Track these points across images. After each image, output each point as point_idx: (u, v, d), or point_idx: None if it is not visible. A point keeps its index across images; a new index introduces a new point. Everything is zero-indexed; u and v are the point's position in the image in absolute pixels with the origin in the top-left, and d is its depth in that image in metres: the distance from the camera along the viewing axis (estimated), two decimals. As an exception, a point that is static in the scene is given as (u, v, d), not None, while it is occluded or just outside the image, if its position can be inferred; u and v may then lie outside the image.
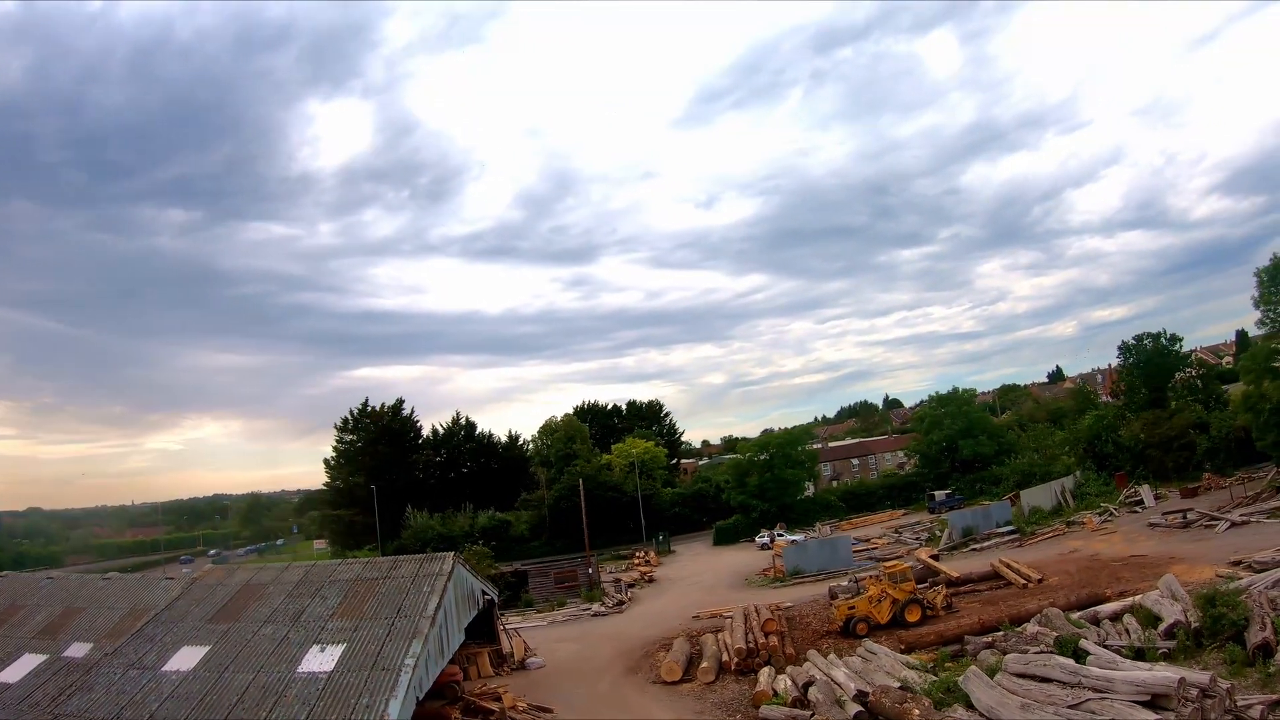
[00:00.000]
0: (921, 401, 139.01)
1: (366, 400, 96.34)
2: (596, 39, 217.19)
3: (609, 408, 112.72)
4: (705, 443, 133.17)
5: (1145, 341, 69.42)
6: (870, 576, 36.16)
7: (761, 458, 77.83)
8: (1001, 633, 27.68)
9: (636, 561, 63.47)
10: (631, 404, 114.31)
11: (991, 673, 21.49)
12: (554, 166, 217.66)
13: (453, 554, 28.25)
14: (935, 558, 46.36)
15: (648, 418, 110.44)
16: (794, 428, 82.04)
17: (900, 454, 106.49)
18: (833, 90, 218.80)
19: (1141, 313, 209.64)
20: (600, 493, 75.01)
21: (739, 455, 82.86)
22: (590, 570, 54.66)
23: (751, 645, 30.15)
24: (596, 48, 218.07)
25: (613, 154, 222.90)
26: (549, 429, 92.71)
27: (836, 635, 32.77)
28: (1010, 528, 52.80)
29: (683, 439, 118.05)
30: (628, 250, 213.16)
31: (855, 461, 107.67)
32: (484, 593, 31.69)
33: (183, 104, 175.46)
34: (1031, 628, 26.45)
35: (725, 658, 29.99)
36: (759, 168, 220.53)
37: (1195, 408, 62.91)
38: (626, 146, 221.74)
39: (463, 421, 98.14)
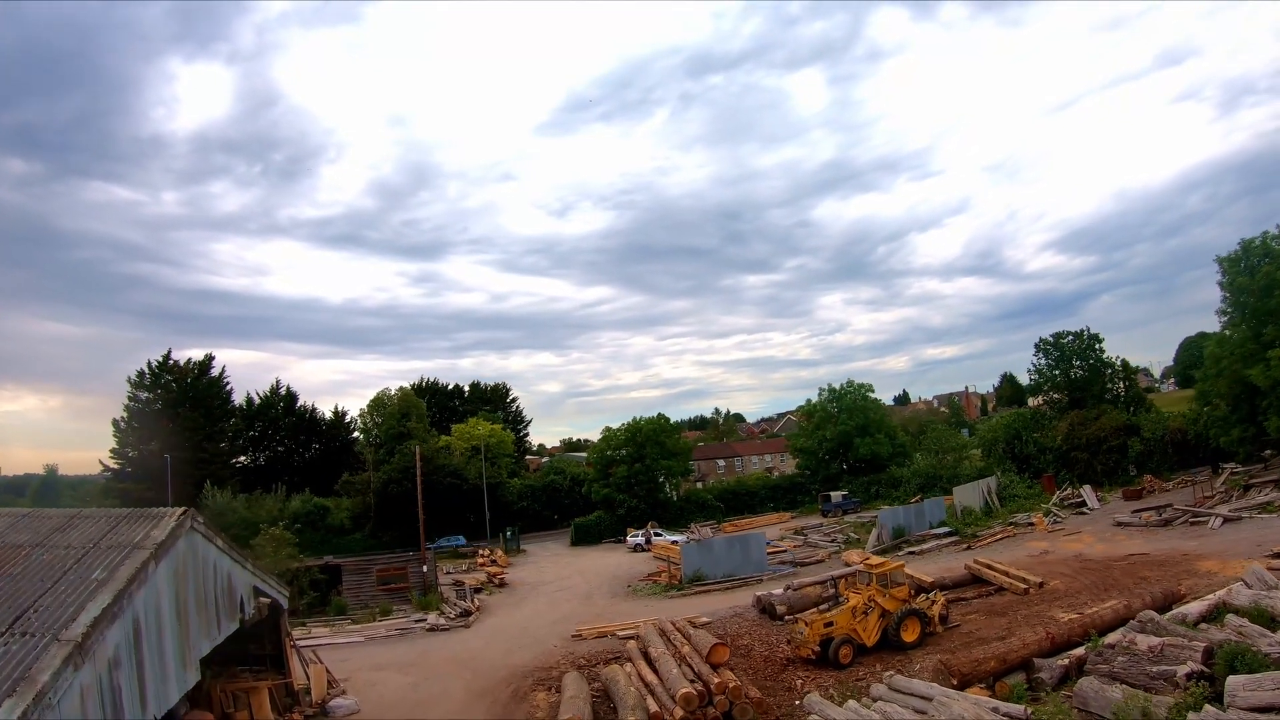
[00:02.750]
0: (794, 409, 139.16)
1: (169, 352, 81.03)
2: (473, 34, 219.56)
3: (450, 387, 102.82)
4: (542, 446, 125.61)
5: (1066, 339, 68.16)
6: (845, 579, 27.25)
7: (630, 448, 70.51)
8: (1083, 649, 20.84)
9: (481, 561, 56.72)
10: (475, 386, 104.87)
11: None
12: (413, 158, 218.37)
13: (181, 512, 15.78)
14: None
15: (493, 401, 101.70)
16: (661, 416, 73.09)
17: (768, 458, 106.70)
18: (699, 114, 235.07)
19: (971, 354, 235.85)
20: (438, 478, 67.59)
21: (604, 442, 73.76)
22: (425, 569, 43.81)
23: (701, 688, 19.33)
24: (472, 43, 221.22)
25: (474, 152, 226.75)
26: (380, 403, 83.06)
27: (807, 665, 24.66)
28: (947, 529, 48.21)
29: (527, 435, 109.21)
30: (478, 251, 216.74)
31: (721, 463, 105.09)
32: (259, 592, 20.03)
33: (40, 46, 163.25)
34: (1142, 640, 17.94)
35: (655, 708, 19.02)
36: (618, 181, 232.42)
37: (1119, 411, 62.48)
38: (488, 146, 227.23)
39: (283, 392, 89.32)
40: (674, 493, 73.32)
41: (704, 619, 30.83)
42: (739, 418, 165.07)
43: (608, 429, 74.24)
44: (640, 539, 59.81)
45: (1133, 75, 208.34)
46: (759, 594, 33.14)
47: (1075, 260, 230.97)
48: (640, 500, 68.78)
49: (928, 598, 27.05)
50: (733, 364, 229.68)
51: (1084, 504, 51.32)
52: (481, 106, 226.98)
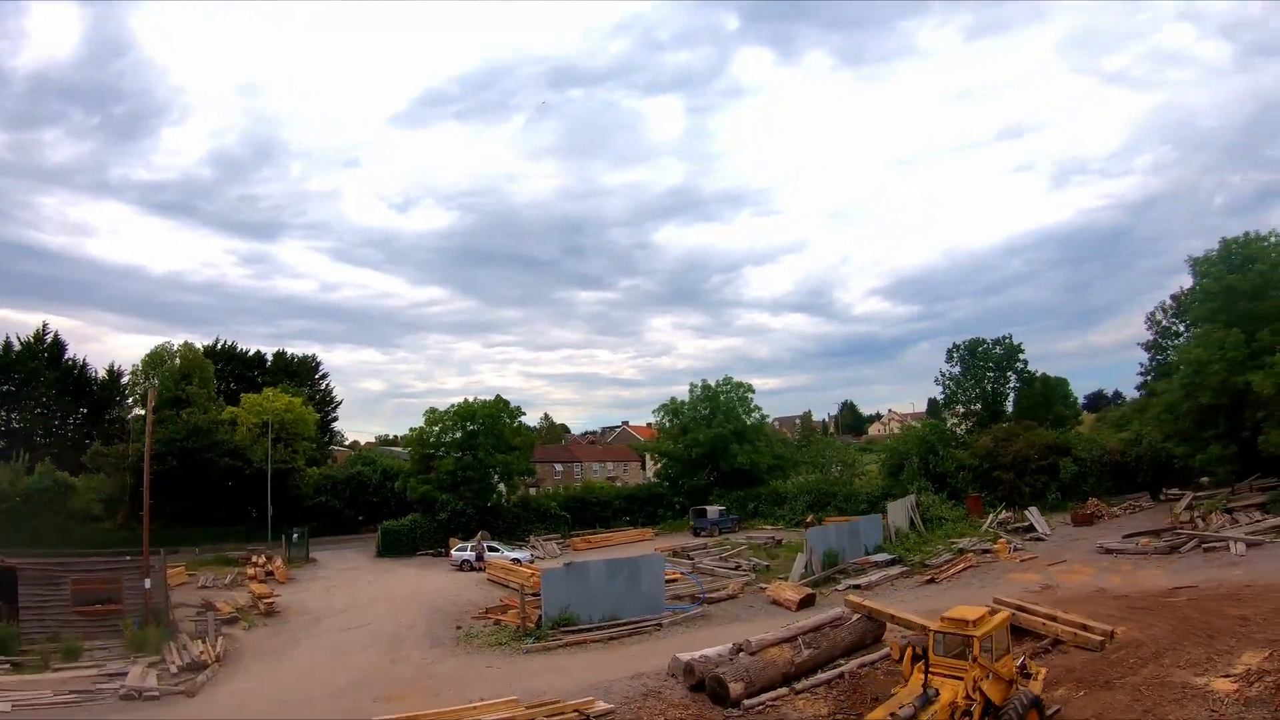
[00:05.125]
0: (619, 425, 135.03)
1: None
2: (340, 11, 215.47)
3: (250, 354, 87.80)
4: (356, 443, 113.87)
5: (987, 347, 64.40)
6: (910, 647, 17.15)
7: (458, 434, 59.56)
8: None
9: (252, 572, 45.53)
10: (280, 355, 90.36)
11: None
12: (260, 131, 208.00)
13: None
14: (810, 599, 32.22)
15: (299, 374, 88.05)
16: (500, 398, 61.08)
17: (610, 466, 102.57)
18: (555, 125, 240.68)
19: (793, 387, 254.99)
20: (213, 456, 58.49)
21: (427, 424, 62.03)
22: (147, 584, 30.35)
23: None
24: (338, 20, 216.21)
25: (322, 133, 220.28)
26: (158, 359, 67.67)
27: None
28: (887, 556, 40.76)
29: (336, 419, 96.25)
30: (313, 236, 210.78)
31: (559, 467, 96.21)
32: None
33: None
34: None
35: None
36: (464, 182, 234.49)
37: (1045, 429, 58.76)
38: (338, 129, 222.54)
39: (48, 340, 75.40)
40: (509, 497, 63.11)
41: (600, 706, 20.06)
42: (564, 428, 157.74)
43: (432, 409, 61.73)
44: (469, 554, 48.84)
45: (975, 144, 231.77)
46: (684, 658, 22.18)
47: (900, 307, 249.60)
48: (468, 503, 58.21)
49: (1021, 670, 17.41)
50: (557, 378, 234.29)
51: (1031, 529, 46.01)
52: (338, 87, 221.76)
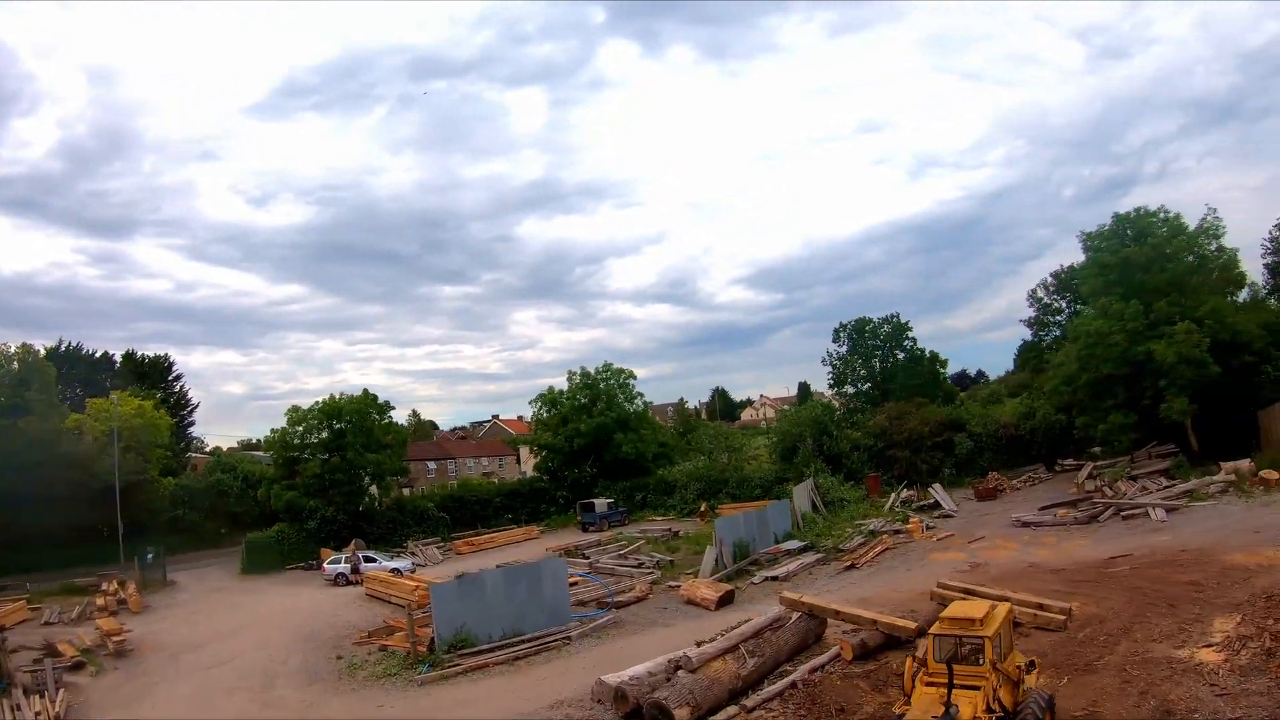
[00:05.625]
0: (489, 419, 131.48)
1: None
2: None
3: (97, 356, 79.15)
4: (218, 449, 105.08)
5: (875, 325, 64.24)
6: (913, 659, 15.03)
7: (324, 434, 54.62)
8: None
9: (102, 602, 39.55)
10: (129, 356, 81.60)
11: None
12: (111, 121, 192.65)
13: None
14: (729, 596, 29.78)
15: (150, 376, 79.58)
16: (367, 393, 56.16)
17: (485, 462, 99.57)
18: (416, 117, 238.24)
19: (658, 376, 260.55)
20: (53, 470, 51.26)
21: (290, 424, 56.45)
22: None
23: None
24: (196, 2, 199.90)
25: (177, 124, 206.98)
26: None
27: None
28: (799, 543, 38.91)
29: (193, 424, 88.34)
30: (167, 234, 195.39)
31: (432, 465, 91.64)
32: None
33: None
34: None
35: None
36: (324, 175, 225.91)
37: (937, 405, 59.81)
38: (193, 120, 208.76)
39: None
40: (382, 499, 58.61)
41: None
42: (433, 425, 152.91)
43: (294, 408, 56.44)
44: (343, 567, 44.32)
45: (835, 137, 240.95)
46: (611, 680, 18.74)
47: (761, 296, 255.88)
48: (339, 509, 53.58)
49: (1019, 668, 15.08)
50: (422, 374, 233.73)
51: (936, 506, 45.58)
52: (194, 74, 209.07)
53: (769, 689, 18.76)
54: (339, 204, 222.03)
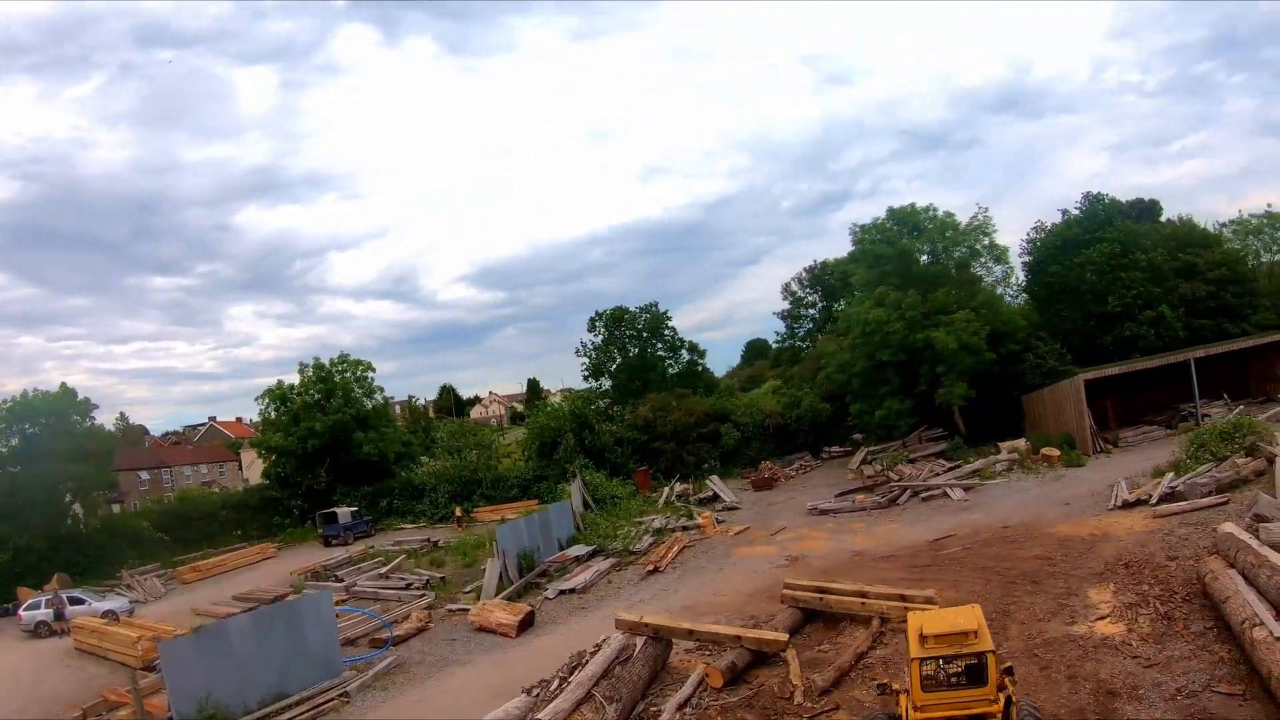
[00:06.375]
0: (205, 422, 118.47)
1: None
2: None
3: None
4: None
5: (632, 315, 63.24)
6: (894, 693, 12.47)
7: (14, 441, 44.98)
8: None
9: None
10: None
11: None
12: None
13: None
14: (530, 619, 25.62)
15: None
16: (65, 386, 45.93)
17: (204, 469, 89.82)
18: (136, 89, 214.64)
19: (381, 375, 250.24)
20: None
21: None
22: None
23: None
24: None
25: None
26: None
27: None
28: (586, 548, 35.43)
29: None
30: None
31: (145, 475, 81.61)
32: None
33: None
34: None
35: None
36: (30, 146, 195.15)
37: (700, 396, 59.32)
38: None
39: None
40: (88, 519, 48.31)
41: None
42: (143, 429, 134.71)
43: None
44: (44, 612, 34.26)
45: (568, 140, 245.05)
46: None
47: (484, 294, 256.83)
48: (36, 535, 42.77)
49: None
50: (130, 374, 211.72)
51: (716, 498, 44.42)
52: None
53: (642, 740, 14.91)
54: (46, 180, 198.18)
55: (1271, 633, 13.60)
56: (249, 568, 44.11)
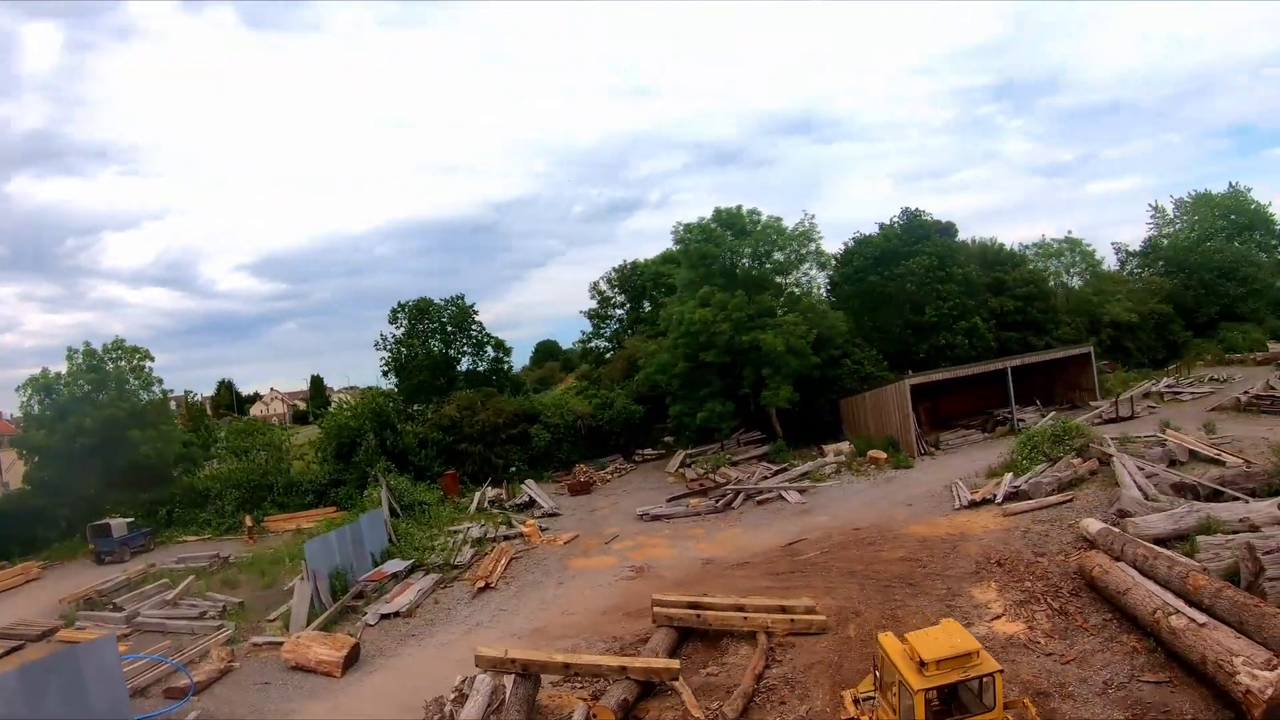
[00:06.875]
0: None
1: None
2: None
3: None
4: None
5: (438, 308, 60.19)
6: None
7: None
8: None
9: None
10: None
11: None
12: None
13: None
14: (355, 653, 22.55)
15: None
16: None
17: None
18: None
19: (160, 367, 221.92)
20: None
21: None
22: None
23: None
24: None
25: None
26: None
27: None
28: (404, 563, 31.93)
29: None
30: None
31: None
32: None
33: None
34: None
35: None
36: None
37: (507, 395, 57.15)
38: None
39: None
40: None
41: None
42: None
43: None
44: None
45: (361, 130, 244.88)
46: None
47: (265, 285, 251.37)
48: None
49: None
50: None
51: (532, 504, 42.23)
52: None
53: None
54: None
55: (1194, 620, 14.07)
56: (8, 594, 36.58)
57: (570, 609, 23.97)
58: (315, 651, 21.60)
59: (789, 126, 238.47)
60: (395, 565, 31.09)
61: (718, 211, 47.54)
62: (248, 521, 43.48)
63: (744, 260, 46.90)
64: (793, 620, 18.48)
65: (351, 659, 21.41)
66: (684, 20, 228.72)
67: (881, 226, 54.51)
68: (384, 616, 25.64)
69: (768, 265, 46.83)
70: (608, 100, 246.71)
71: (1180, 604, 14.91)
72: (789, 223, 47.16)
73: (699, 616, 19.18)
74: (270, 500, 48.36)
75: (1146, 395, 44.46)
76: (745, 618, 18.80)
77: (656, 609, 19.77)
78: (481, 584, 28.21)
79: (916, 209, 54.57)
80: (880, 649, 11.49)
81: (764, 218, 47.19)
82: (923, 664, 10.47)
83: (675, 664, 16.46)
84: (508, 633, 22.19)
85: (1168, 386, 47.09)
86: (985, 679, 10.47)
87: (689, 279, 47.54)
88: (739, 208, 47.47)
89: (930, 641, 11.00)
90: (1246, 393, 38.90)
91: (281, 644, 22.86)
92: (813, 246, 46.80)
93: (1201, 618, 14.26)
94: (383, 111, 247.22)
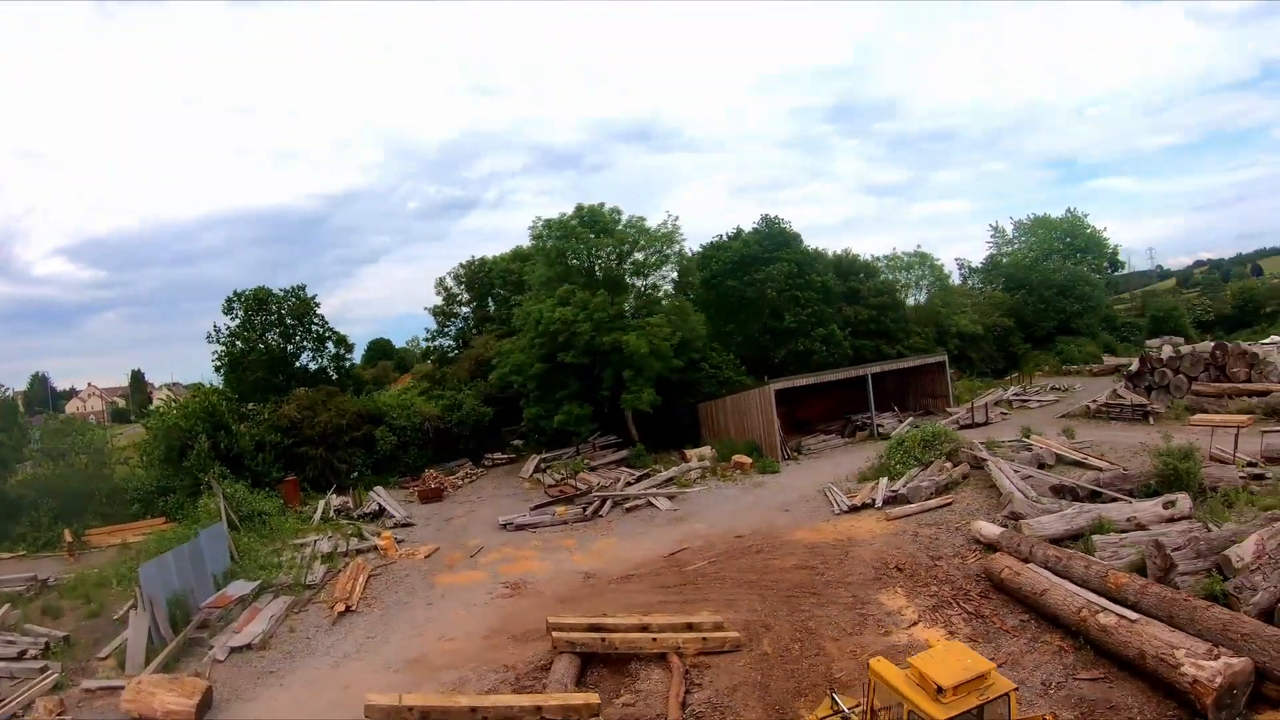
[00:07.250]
0: None
1: None
2: None
3: None
4: None
5: (284, 299, 56.33)
6: None
7: None
8: None
9: None
10: None
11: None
12: None
13: None
14: (208, 699, 19.77)
15: None
16: None
17: None
18: None
19: None
20: None
21: None
22: None
23: None
24: None
25: None
26: None
27: None
28: (246, 583, 29.10)
29: None
30: None
31: None
32: None
33: None
34: None
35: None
36: None
37: (349, 395, 54.18)
38: None
39: None
40: None
41: None
42: None
43: None
44: None
45: (205, 116, 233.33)
46: None
47: (84, 271, 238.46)
48: None
49: None
50: None
51: (382, 513, 40.03)
52: None
53: None
54: None
55: (1125, 617, 14.79)
56: None
57: (447, 633, 22.15)
58: (161, 699, 18.64)
59: (628, 134, 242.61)
60: (241, 587, 27.89)
61: (579, 208, 46.69)
62: (68, 536, 38.38)
63: (604, 259, 46.27)
64: (704, 639, 17.80)
65: (205, 706, 18.73)
66: (532, 22, 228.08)
67: (740, 232, 55.36)
68: (234, 650, 22.76)
69: (627, 265, 46.36)
70: (449, 96, 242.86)
71: (1105, 602, 15.61)
72: (651, 224, 47.01)
73: (604, 640, 18.12)
74: (91, 510, 43.03)
75: (998, 403, 47.52)
76: (654, 639, 17.97)
77: (556, 634, 18.50)
78: (341, 607, 25.75)
79: (776, 216, 55.72)
80: (874, 676, 10.84)
81: (626, 217, 46.76)
82: (940, 691, 9.90)
83: (595, 698, 15.43)
84: (381, 666, 20.23)
85: (1015, 394, 50.75)
86: (999, 700, 10.04)
87: (546, 276, 46.42)
88: (601, 205, 46.83)
89: (940, 665, 10.41)
90: (1095, 401, 42.14)
91: (120, 688, 19.76)
92: (676, 248, 46.75)
93: (1132, 615, 14.94)
94: (225, 93, 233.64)
